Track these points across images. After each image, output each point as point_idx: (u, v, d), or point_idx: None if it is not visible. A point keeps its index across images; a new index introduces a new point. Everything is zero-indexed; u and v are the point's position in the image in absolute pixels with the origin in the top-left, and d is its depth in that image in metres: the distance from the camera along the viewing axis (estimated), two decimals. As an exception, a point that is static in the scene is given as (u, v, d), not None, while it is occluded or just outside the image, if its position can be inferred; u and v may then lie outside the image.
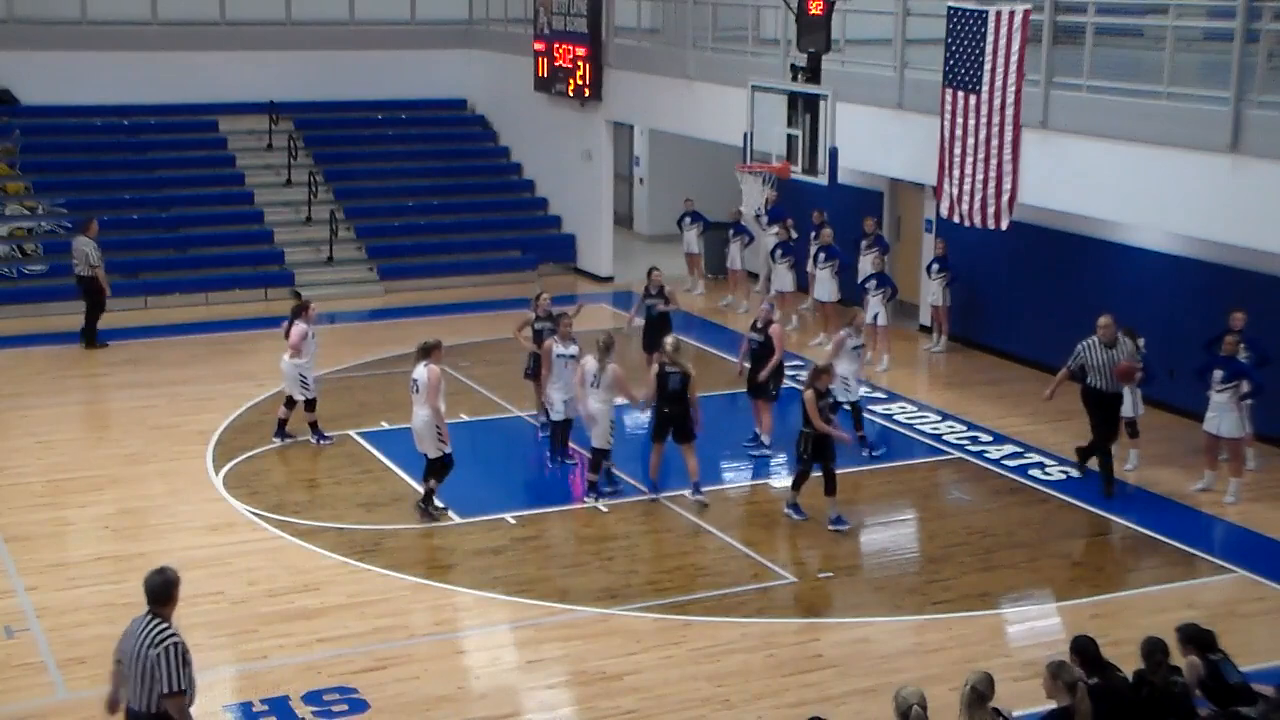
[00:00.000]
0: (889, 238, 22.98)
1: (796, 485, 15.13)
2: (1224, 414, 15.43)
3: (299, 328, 16.95)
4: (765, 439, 17.18)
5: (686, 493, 15.62)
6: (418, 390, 14.81)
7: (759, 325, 17.05)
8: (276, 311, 23.77)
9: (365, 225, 26.70)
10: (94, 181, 26.03)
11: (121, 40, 26.98)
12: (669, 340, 15.75)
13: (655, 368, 15.59)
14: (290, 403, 17.22)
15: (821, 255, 22.08)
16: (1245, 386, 15.37)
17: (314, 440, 17.18)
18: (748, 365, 17.13)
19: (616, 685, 11.64)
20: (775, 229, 23.20)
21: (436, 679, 11.74)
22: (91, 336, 21.62)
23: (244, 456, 16.85)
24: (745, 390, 17.42)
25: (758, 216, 22.91)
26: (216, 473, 16.35)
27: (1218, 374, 15.42)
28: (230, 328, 22.75)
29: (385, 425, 17.85)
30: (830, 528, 14.76)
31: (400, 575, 13.68)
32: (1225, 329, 15.90)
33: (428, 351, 14.94)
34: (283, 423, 17.25)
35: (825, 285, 21.83)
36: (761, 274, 25.04)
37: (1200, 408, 15.85)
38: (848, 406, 16.86)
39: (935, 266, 21.30)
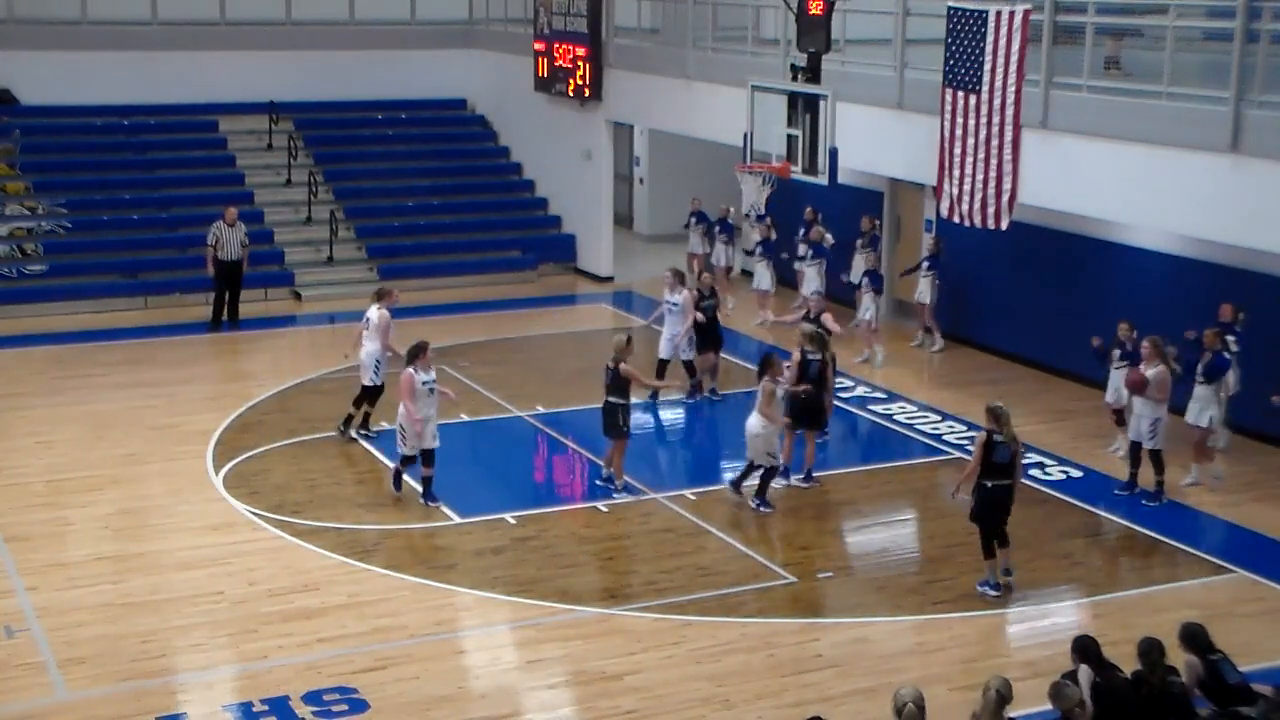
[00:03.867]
0: (889, 237, 22.95)
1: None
2: (1206, 406, 15.51)
3: (384, 314, 17.10)
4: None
5: (797, 479, 15.97)
6: (369, 327, 17.00)
7: (811, 316, 17.40)
8: (276, 311, 23.89)
9: (365, 225, 26.68)
10: (94, 181, 26.02)
11: (121, 40, 26.96)
12: (808, 329, 16.30)
13: (797, 354, 15.97)
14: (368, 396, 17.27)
15: (810, 253, 22.06)
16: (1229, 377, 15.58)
17: (351, 432, 17.36)
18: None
19: (616, 685, 11.65)
20: (760, 226, 23.15)
21: (436, 679, 11.75)
22: (235, 315, 22.95)
23: (244, 456, 16.85)
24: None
25: (748, 215, 22.87)
26: (216, 473, 16.34)
27: (1199, 365, 15.55)
28: (230, 328, 22.74)
29: (385, 425, 17.84)
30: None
31: (400, 575, 13.69)
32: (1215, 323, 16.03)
33: (382, 296, 17.25)
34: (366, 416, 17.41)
35: (812, 282, 21.79)
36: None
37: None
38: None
39: (925, 264, 21.26)
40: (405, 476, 15.55)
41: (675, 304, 18.62)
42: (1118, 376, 16.39)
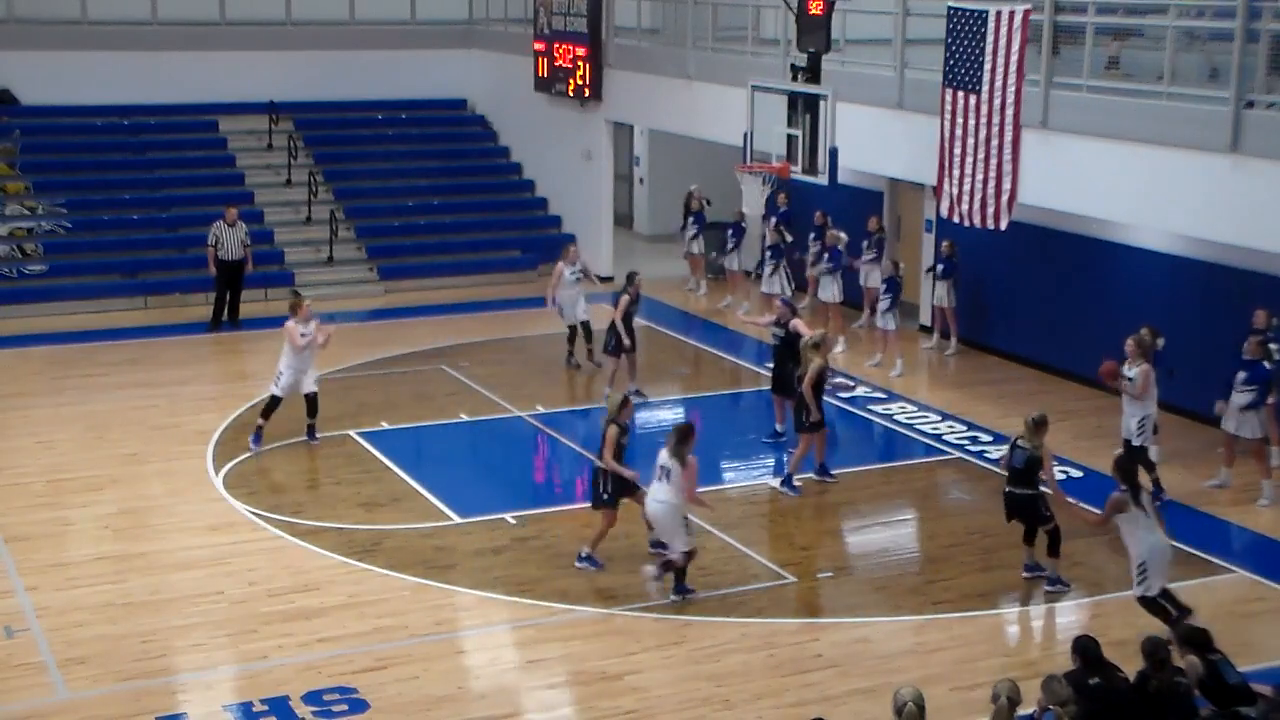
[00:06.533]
0: (889, 237, 22.89)
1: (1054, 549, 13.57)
2: (1243, 416, 15.43)
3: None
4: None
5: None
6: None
7: (780, 321, 17.16)
8: (276, 311, 23.80)
9: (365, 225, 26.68)
10: (94, 181, 26.02)
11: (121, 40, 26.97)
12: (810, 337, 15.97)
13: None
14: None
15: (824, 256, 21.98)
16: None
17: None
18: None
19: (616, 685, 11.64)
20: (776, 226, 23.07)
21: (436, 679, 11.74)
22: (236, 315, 22.99)
23: (244, 456, 16.84)
24: (769, 388, 17.64)
25: (765, 218, 22.73)
26: (216, 473, 16.34)
27: (1240, 375, 15.41)
28: (230, 328, 22.73)
29: (385, 425, 17.85)
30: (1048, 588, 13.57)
31: (400, 575, 13.68)
32: (1249, 330, 15.83)
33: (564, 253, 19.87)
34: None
35: (828, 287, 21.72)
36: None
37: (1201, 407, 15.86)
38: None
39: (941, 268, 21.17)
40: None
41: (307, 333, 17.27)
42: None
